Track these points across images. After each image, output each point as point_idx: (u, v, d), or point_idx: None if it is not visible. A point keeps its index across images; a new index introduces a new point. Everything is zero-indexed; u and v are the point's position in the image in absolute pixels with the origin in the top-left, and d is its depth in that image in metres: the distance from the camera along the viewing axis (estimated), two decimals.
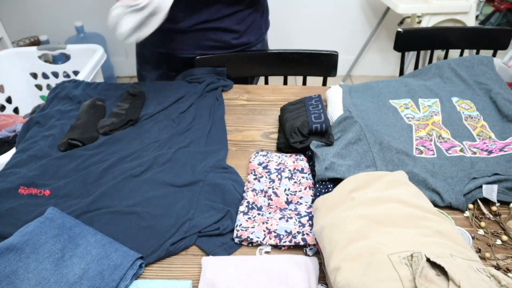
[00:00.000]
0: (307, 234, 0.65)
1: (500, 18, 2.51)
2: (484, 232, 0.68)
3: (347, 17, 2.66)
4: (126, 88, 1.05)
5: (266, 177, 0.78)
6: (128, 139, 0.90)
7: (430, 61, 1.42)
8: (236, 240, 0.67)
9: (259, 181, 0.77)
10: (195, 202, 0.73)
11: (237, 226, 0.68)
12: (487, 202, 0.73)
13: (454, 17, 2.15)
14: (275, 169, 0.79)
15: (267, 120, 0.99)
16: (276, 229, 0.66)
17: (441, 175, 0.76)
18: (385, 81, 1.04)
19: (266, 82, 1.31)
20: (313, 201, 0.72)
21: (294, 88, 1.13)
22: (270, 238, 0.66)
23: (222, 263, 0.61)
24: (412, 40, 1.34)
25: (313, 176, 0.78)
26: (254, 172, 0.79)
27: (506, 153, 0.79)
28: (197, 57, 1.13)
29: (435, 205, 0.71)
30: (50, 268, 0.58)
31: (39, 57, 1.52)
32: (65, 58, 1.55)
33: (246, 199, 0.73)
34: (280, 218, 0.69)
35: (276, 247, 0.66)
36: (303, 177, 0.77)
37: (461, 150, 0.81)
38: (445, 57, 1.54)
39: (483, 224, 0.69)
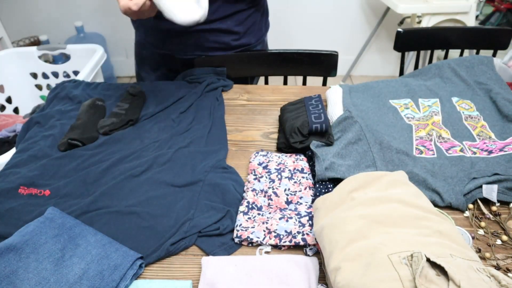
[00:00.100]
0: (307, 234, 0.65)
1: (500, 18, 2.51)
2: (484, 232, 0.68)
3: (347, 17, 2.66)
4: (126, 88, 1.05)
5: (266, 177, 0.78)
6: (128, 139, 0.90)
7: (430, 61, 1.42)
8: (236, 240, 0.67)
9: (259, 181, 0.77)
10: (195, 202, 0.73)
11: (237, 226, 0.68)
12: (487, 202, 0.73)
13: (454, 17, 2.15)
14: (275, 169, 0.79)
15: (267, 120, 0.99)
16: (276, 229, 0.66)
17: (441, 175, 0.76)
18: (385, 81, 1.04)
19: (266, 82, 1.31)
20: (313, 201, 0.72)
21: (294, 88, 1.13)
22: (270, 238, 0.66)
23: (222, 263, 0.61)
24: (412, 40, 1.34)
25: (313, 176, 0.78)
26: (254, 172, 0.79)
27: (506, 153, 0.79)
28: (197, 57, 1.13)
29: (435, 205, 0.71)
30: (50, 268, 0.58)
31: (39, 57, 1.52)
32: (65, 58, 1.55)
33: (246, 199, 0.73)
34: (280, 218, 0.69)
35: (276, 247, 0.66)
36: (303, 177, 0.77)
37: (461, 150, 0.81)
38: (445, 57, 1.54)
39: (483, 224, 0.69)
